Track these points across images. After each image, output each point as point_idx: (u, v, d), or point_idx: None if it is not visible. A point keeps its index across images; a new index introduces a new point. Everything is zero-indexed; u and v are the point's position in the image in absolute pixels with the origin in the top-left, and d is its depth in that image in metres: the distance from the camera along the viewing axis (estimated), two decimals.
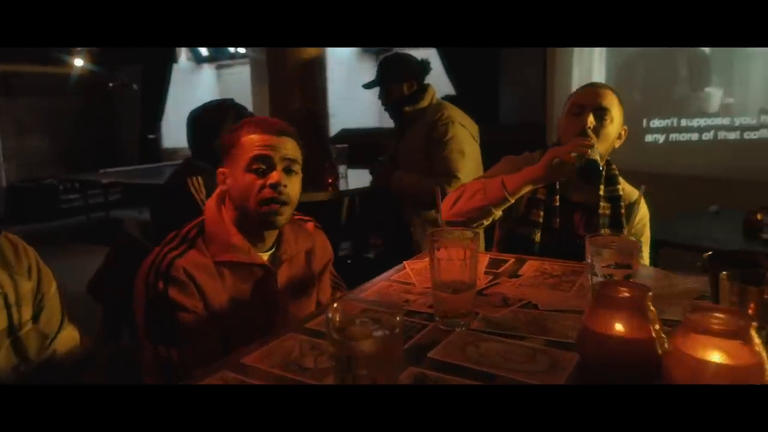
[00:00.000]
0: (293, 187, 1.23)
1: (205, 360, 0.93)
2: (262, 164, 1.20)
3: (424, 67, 2.36)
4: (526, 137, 4.78)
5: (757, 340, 0.62)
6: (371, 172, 2.65)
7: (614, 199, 1.58)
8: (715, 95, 4.01)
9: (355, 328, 0.66)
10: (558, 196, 1.58)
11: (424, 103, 2.33)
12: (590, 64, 4.43)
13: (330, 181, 2.94)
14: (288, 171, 1.23)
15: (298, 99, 3.22)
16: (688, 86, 4.13)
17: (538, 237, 1.57)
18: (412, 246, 2.33)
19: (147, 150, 7.51)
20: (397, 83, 2.33)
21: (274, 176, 1.19)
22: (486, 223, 1.55)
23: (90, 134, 7.87)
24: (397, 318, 0.66)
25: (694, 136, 3.92)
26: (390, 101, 2.37)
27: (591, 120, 1.48)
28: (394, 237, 2.51)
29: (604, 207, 1.57)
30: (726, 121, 3.85)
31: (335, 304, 0.68)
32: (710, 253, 0.94)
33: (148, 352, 1.15)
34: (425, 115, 2.31)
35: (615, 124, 1.52)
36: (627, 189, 1.63)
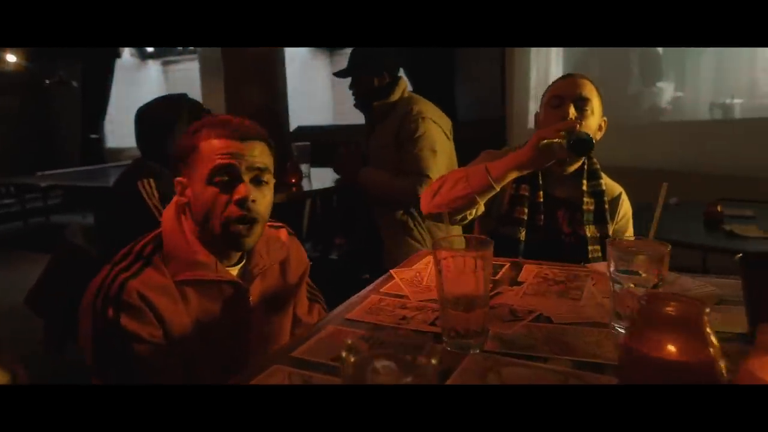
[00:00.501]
0: (263, 201, 1.06)
1: None
2: (226, 176, 1.02)
3: (397, 60, 2.23)
4: (484, 134, 4.77)
5: None
6: (334, 164, 2.50)
7: (598, 194, 1.52)
8: (667, 91, 4.08)
9: (378, 377, 0.52)
10: (542, 192, 1.50)
11: (394, 97, 2.20)
12: (548, 63, 4.44)
13: (293, 181, 2.77)
14: (257, 182, 1.06)
15: (256, 95, 3.00)
16: (642, 83, 4.19)
17: (523, 235, 1.48)
18: (381, 247, 2.21)
19: (89, 151, 7.05)
20: (367, 74, 2.19)
21: (241, 190, 1.02)
22: (469, 217, 1.45)
23: (26, 134, 7.33)
24: (433, 361, 0.52)
25: (648, 131, 3.96)
26: (360, 93, 2.24)
27: (572, 111, 1.42)
28: (361, 237, 2.38)
29: (587, 202, 1.50)
30: (678, 116, 3.92)
31: (349, 343, 0.54)
32: (741, 255, 0.86)
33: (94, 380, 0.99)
34: (395, 110, 2.19)
35: (596, 115, 1.46)
36: (609, 184, 1.57)
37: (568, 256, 1.39)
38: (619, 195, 1.60)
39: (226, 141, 1.03)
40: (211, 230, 1.04)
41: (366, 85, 2.20)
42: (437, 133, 2.14)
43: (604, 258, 1.51)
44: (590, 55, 4.24)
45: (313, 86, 7.39)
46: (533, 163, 1.33)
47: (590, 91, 1.46)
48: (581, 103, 1.44)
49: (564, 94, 1.45)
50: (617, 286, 0.87)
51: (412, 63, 4.73)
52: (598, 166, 1.56)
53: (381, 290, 1.11)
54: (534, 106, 4.49)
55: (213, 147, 1.02)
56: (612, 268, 0.87)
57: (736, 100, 3.79)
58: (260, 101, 2.97)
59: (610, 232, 1.52)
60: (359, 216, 2.33)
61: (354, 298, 1.07)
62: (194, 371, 1.04)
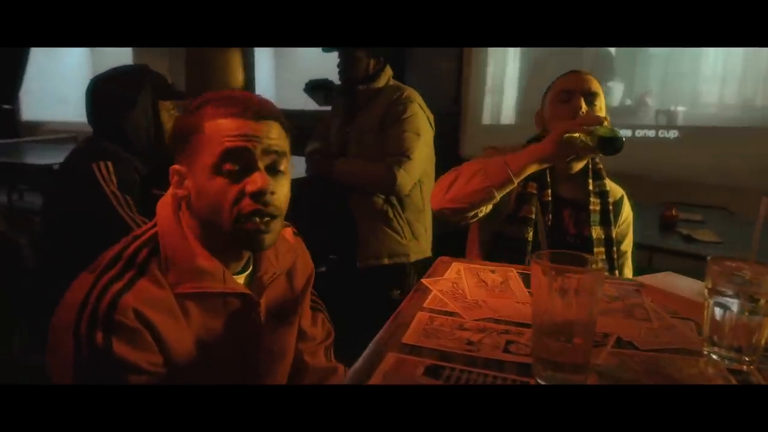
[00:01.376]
0: (282, 192, 0.88)
1: None
2: (238, 163, 0.84)
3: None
4: (438, 128, 4.70)
5: None
6: (307, 161, 2.31)
7: (603, 194, 1.47)
8: (616, 94, 4.18)
9: None
10: (550, 191, 1.43)
11: (380, 83, 2.05)
12: (505, 59, 4.44)
13: None
14: (274, 170, 0.88)
15: (218, 72, 2.69)
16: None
17: (530, 236, 1.41)
18: (355, 237, 2.06)
19: (1, 123, 6.31)
20: (366, 54, 2.02)
21: (257, 180, 0.83)
22: (480, 215, 1.34)
23: None
24: None
25: None
26: (350, 76, 2.05)
27: (584, 105, 1.37)
28: (333, 226, 2.20)
29: (594, 203, 1.46)
30: (626, 119, 4.02)
31: None
32: None
33: None
34: (380, 96, 2.04)
35: (603, 112, 1.42)
36: (611, 186, 1.53)
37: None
38: (622, 197, 1.57)
39: (238, 120, 0.84)
40: (219, 229, 0.85)
41: (362, 67, 2.03)
42: (423, 118, 2.03)
43: (609, 262, 1.46)
44: (549, 53, 4.25)
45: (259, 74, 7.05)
46: (555, 157, 1.27)
47: (598, 87, 1.41)
48: (591, 98, 1.39)
49: (573, 88, 1.40)
50: (719, 311, 0.78)
51: None
52: (601, 166, 1.51)
53: (424, 306, 0.96)
54: (491, 101, 4.48)
55: (221, 127, 0.84)
56: (714, 290, 0.78)
57: (680, 108, 3.94)
58: (222, 76, 2.67)
59: (614, 235, 1.47)
60: (331, 205, 2.15)
61: (399, 319, 0.92)
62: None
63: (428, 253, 2.10)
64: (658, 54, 3.97)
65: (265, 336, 0.98)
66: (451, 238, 2.02)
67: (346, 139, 2.11)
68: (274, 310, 1.00)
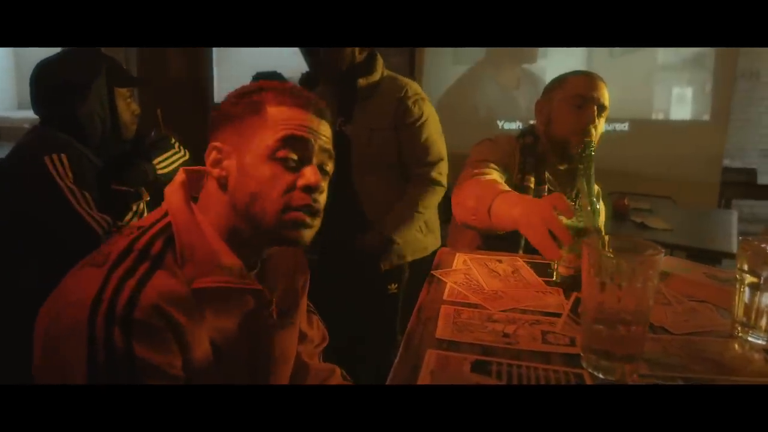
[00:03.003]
0: (324, 195, 0.84)
1: None
2: (296, 152, 0.79)
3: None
4: None
5: None
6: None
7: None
8: None
9: None
10: (547, 186, 1.42)
11: (377, 75, 1.84)
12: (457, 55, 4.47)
13: None
14: (322, 170, 0.83)
15: (178, 61, 2.48)
16: (534, 90, 4.37)
17: None
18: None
19: None
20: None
21: (311, 175, 0.78)
22: None
23: None
24: None
25: None
26: (336, 68, 1.80)
27: (595, 116, 1.36)
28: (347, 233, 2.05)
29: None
30: None
31: None
32: None
33: None
34: (381, 89, 1.84)
35: (602, 127, 1.42)
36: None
37: None
38: (598, 192, 1.57)
39: (303, 112, 0.80)
40: (259, 218, 0.78)
41: (345, 58, 1.79)
42: (436, 115, 1.91)
43: None
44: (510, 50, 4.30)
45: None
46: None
47: (607, 97, 1.40)
48: (601, 110, 1.38)
49: (589, 96, 1.37)
50: (752, 293, 0.77)
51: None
52: None
53: (445, 299, 0.91)
54: (450, 100, 4.48)
55: (284, 114, 0.79)
56: (747, 271, 0.78)
57: (629, 101, 4.09)
58: (181, 67, 2.47)
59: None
60: (345, 205, 1.98)
61: (424, 311, 0.87)
62: None
63: (438, 244, 2.00)
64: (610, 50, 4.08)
65: (277, 337, 0.91)
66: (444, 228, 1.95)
67: (342, 138, 1.85)
68: (281, 310, 0.93)
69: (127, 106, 1.60)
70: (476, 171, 1.28)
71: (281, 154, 0.77)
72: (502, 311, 0.87)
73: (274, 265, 0.92)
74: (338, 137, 1.84)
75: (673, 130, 3.92)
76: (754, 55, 4.17)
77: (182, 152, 1.74)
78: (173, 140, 1.73)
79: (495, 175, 1.29)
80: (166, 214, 0.80)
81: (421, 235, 1.91)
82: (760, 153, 4.35)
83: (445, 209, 1.62)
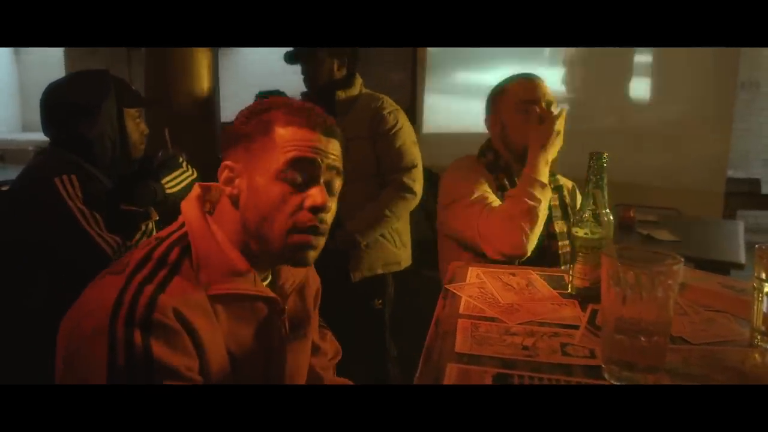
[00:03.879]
0: (332, 213, 0.85)
1: None
2: (303, 173, 0.80)
3: (354, 50, 2.01)
4: None
5: None
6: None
7: (558, 189, 1.49)
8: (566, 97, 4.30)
9: None
10: None
11: (355, 90, 1.98)
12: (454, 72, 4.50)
13: None
14: (329, 188, 0.84)
15: (181, 78, 2.50)
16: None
17: None
18: (348, 254, 1.95)
19: None
20: (330, 56, 1.93)
21: (318, 196, 0.79)
22: None
23: None
24: None
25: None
26: (318, 81, 1.95)
27: (548, 114, 1.37)
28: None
29: (553, 198, 1.43)
30: (574, 123, 4.15)
31: None
32: None
33: None
34: (359, 103, 1.96)
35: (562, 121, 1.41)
36: (562, 179, 1.55)
37: (545, 256, 1.35)
38: (574, 187, 1.58)
39: (310, 132, 0.81)
40: (263, 236, 0.80)
41: (326, 72, 1.94)
42: (410, 126, 1.99)
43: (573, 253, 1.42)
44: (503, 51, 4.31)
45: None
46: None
47: (551, 93, 1.43)
48: (549, 106, 1.40)
49: (532, 99, 1.40)
50: None
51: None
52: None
53: (461, 312, 0.91)
54: (447, 100, 4.50)
55: (292, 135, 0.81)
56: (765, 280, 0.77)
57: (628, 112, 4.10)
58: (188, 86, 2.49)
59: None
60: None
61: (441, 325, 0.86)
62: None
63: (410, 261, 2.05)
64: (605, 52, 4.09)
65: (289, 346, 0.92)
66: (426, 245, 1.98)
67: None
68: (293, 322, 0.94)
69: (136, 126, 1.61)
70: (486, 203, 1.33)
71: (289, 175, 0.79)
72: (519, 324, 0.86)
73: (284, 278, 0.93)
74: None
75: (677, 140, 3.93)
76: (754, 65, 4.20)
77: (190, 171, 1.75)
78: (181, 159, 1.74)
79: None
80: (182, 225, 0.83)
81: (393, 248, 1.95)
82: (763, 162, 4.36)
83: (423, 226, 1.62)
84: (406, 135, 1.92)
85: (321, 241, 0.83)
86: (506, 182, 1.43)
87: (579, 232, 0.99)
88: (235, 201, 0.82)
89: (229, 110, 0.96)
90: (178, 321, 0.72)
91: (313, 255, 0.82)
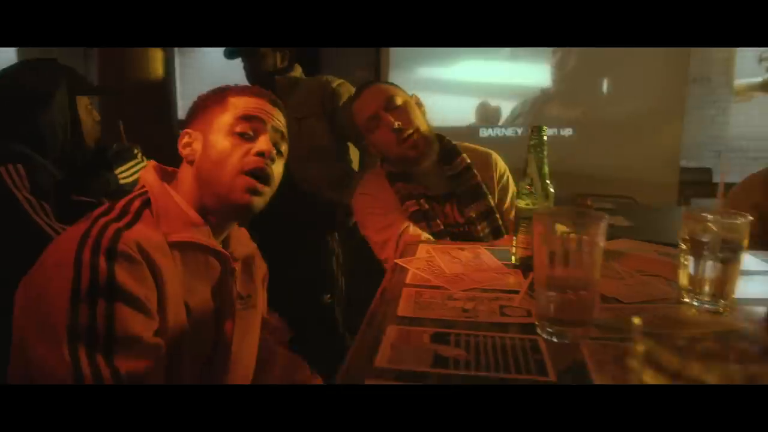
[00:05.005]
0: (277, 170, 0.94)
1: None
2: (250, 128, 0.92)
3: None
4: None
5: None
6: None
7: (466, 171, 1.44)
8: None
9: None
10: (423, 200, 1.41)
11: (296, 73, 2.00)
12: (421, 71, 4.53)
13: None
14: (277, 150, 0.94)
15: (135, 67, 2.46)
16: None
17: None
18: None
19: None
20: (273, 50, 1.94)
21: (263, 143, 0.91)
22: None
23: None
24: None
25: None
26: (258, 72, 1.96)
27: (392, 120, 1.37)
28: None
29: (463, 183, 1.43)
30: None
31: None
32: None
33: (59, 365, 0.70)
34: (300, 86, 1.97)
35: (406, 102, 1.44)
36: (477, 152, 1.52)
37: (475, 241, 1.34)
38: (489, 157, 1.53)
39: (258, 99, 0.95)
40: (217, 185, 0.88)
41: (269, 62, 1.95)
42: None
43: (492, 233, 1.40)
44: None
45: None
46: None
47: (398, 92, 1.43)
48: (393, 106, 1.40)
49: (374, 112, 1.40)
50: (695, 259, 0.81)
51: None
52: (453, 144, 1.50)
53: (407, 282, 0.93)
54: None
55: (242, 101, 0.94)
56: (690, 240, 0.82)
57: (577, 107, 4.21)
58: (140, 71, 2.43)
59: (495, 201, 1.46)
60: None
61: (387, 293, 0.88)
62: (176, 362, 0.82)
63: None
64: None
65: (239, 313, 0.96)
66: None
67: None
68: (243, 289, 0.99)
69: (89, 113, 1.59)
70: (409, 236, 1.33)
71: (238, 128, 0.90)
72: (462, 291, 0.89)
73: (234, 246, 0.98)
74: None
75: (633, 133, 4.04)
76: (705, 60, 4.36)
77: (145, 162, 1.73)
78: (136, 151, 1.72)
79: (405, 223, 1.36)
80: (142, 188, 0.89)
81: None
82: (714, 154, 4.52)
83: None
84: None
85: (266, 190, 0.91)
86: (419, 196, 1.42)
87: (521, 203, 1.02)
88: (191, 160, 0.91)
89: (188, 108, 0.99)
90: (140, 254, 0.77)
91: (258, 201, 0.90)
